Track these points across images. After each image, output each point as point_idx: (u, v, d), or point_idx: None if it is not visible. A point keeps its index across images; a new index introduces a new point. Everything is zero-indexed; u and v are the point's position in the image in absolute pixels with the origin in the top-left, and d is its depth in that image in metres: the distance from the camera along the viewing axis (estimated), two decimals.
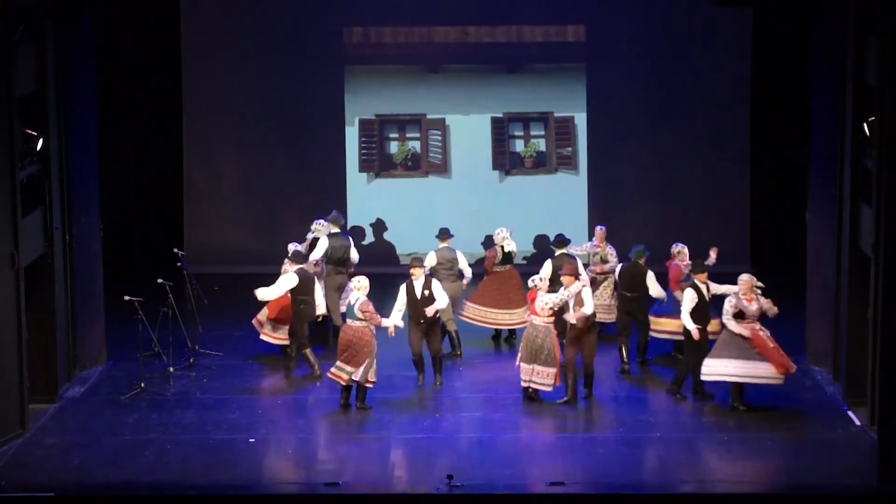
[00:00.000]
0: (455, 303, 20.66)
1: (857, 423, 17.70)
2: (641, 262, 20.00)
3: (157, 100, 25.09)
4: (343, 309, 20.15)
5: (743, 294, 18.01)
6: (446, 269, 20.64)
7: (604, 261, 20.99)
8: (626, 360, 19.81)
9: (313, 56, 25.17)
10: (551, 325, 18.29)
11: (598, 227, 21.35)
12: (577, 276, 18.76)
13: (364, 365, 18.07)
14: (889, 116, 16.16)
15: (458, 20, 25.14)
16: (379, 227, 25.41)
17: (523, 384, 18.42)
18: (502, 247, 20.96)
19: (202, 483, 16.04)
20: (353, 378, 18.13)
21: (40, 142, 18.22)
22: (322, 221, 21.05)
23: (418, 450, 16.99)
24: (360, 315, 18.19)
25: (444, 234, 20.83)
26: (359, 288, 18.35)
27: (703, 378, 18.20)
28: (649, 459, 16.83)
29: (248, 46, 25.14)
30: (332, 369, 18.27)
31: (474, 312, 21.01)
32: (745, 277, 18.16)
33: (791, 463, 16.63)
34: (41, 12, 18.20)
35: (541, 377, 18.25)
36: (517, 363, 18.43)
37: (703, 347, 18.26)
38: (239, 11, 25.10)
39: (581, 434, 17.66)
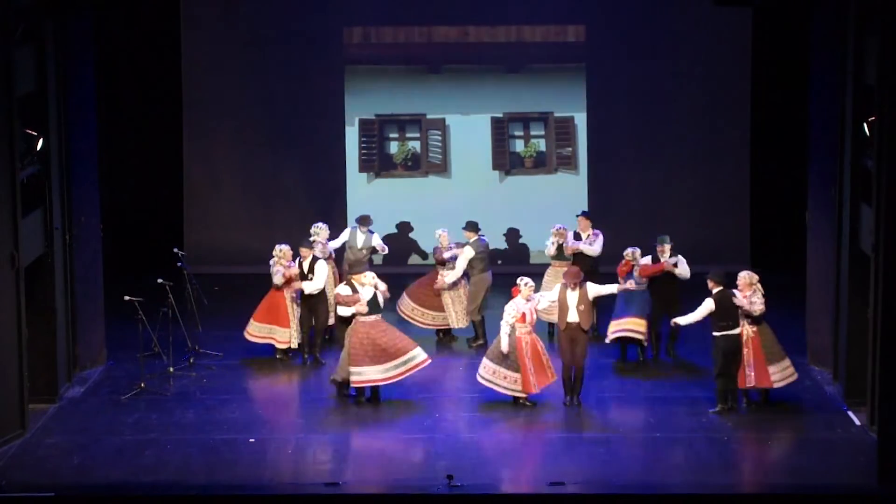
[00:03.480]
0: (487, 295, 20.70)
1: (857, 423, 17.70)
2: (659, 249, 19.89)
3: (157, 100, 25.07)
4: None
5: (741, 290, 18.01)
6: (481, 261, 20.65)
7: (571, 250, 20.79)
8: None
9: (313, 56, 25.14)
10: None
11: (578, 215, 21.38)
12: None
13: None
14: (889, 116, 16.16)
15: (458, 20, 25.11)
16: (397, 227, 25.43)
17: None
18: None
19: (202, 483, 16.04)
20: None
21: (40, 142, 18.22)
22: (321, 224, 21.01)
23: (418, 450, 16.99)
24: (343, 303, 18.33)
25: (472, 226, 20.74)
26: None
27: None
28: (649, 459, 16.81)
29: (248, 46, 25.11)
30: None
31: (408, 309, 20.96)
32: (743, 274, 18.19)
33: (791, 463, 16.64)
34: (41, 12, 18.20)
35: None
36: None
37: None
38: (239, 11, 25.08)
39: (581, 434, 17.65)
